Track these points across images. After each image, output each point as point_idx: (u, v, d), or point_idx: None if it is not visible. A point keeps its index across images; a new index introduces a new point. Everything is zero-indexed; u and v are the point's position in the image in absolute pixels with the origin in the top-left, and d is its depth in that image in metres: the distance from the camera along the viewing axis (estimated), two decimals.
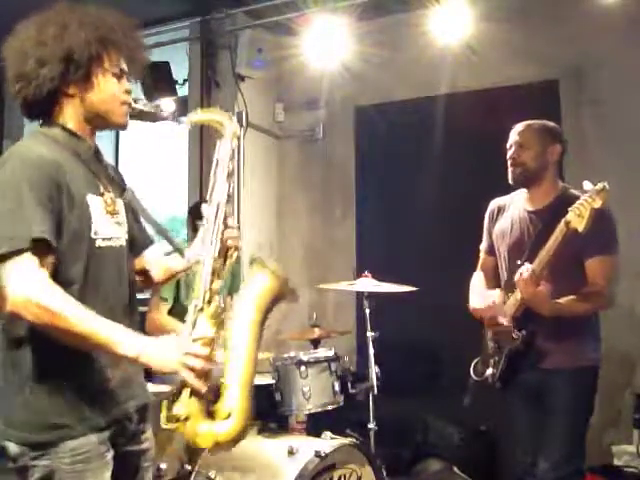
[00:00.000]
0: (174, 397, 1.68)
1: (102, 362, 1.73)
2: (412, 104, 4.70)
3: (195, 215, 3.89)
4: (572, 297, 2.59)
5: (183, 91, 4.98)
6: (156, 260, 2.07)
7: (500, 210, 2.92)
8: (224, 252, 1.87)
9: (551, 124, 2.83)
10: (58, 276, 1.66)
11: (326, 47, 4.32)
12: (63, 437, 1.67)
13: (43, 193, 1.63)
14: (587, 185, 2.44)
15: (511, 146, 2.80)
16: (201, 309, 1.76)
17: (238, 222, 4.72)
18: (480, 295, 2.86)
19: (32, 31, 1.77)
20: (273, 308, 1.84)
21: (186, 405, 1.66)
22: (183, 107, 4.99)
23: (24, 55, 1.74)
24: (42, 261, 1.61)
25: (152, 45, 4.48)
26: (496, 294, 2.76)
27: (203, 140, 4.83)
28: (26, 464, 1.68)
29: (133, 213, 1.95)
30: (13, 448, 1.69)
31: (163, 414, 1.68)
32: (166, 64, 4.57)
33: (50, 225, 1.63)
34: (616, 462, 3.82)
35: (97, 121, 1.84)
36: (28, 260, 1.59)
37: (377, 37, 4.53)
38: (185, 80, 4.95)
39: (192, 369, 1.65)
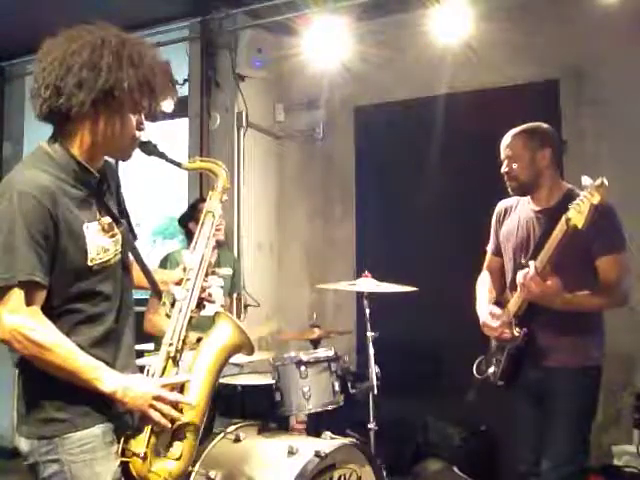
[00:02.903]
0: (133, 433, 1.81)
1: (103, 358, 1.79)
2: (412, 104, 4.70)
3: (188, 220, 3.89)
4: (585, 292, 2.59)
5: (183, 91, 4.98)
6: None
7: (507, 211, 2.93)
8: (200, 302, 1.97)
9: (540, 128, 2.81)
10: (56, 303, 1.74)
11: (326, 47, 4.32)
12: (67, 430, 1.74)
13: (38, 230, 1.68)
14: (585, 180, 2.44)
15: (503, 160, 2.81)
16: (173, 357, 1.88)
17: (238, 222, 4.72)
18: (487, 309, 2.85)
19: (83, 50, 1.75)
20: (231, 358, 2.05)
21: (144, 443, 1.79)
22: (183, 107, 5.01)
23: (67, 70, 1.74)
24: (32, 295, 1.69)
25: (152, 45, 4.48)
26: (501, 313, 2.77)
27: (203, 140, 4.83)
28: (37, 460, 1.76)
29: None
30: (24, 445, 1.78)
31: (120, 446, 1.80)
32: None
33: (41, 264, 1.69)
34: (616, 462, 3.81)
35: (105, 149, 1.86)
36: (16, 296, 1.67)
37: (377, 37, 4.54)
38: (185, 80, 4.95)
39: (159, 411, 1.78)
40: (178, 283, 2.00)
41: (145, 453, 1.78)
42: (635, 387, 3.98)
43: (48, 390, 1.74)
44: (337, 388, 3.09)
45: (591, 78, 4.20)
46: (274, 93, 5.19)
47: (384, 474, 2.97)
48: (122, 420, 1.84)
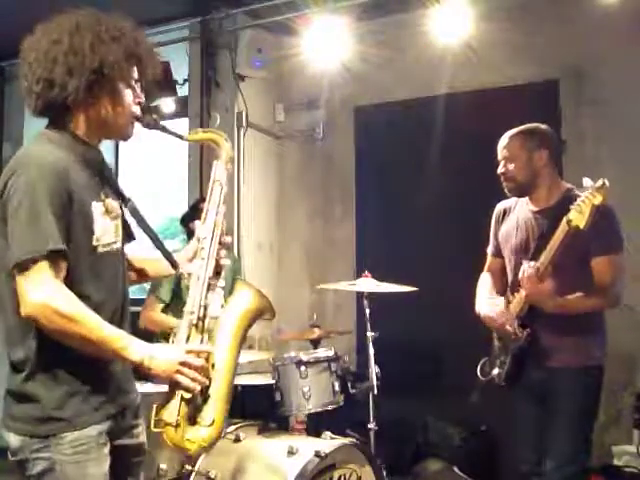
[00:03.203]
0: (163, 403, 1.81)
1: (101, 358, 1.79)
2: (412, 104, 4.70)
3: (189, 219, 3.89)
4: (577, 295, 2.60)
5: (183, 91, 4.98)
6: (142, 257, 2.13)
7: (506, 212, 2.93)
8: (218, 270, 1.99)
9: (538, 129, 2.81)
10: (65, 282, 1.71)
11: (326, 47, 4.31)
12: (62, 430, 1.72)
13: (57, 202, 1.69)
14: (586, 182, 2.45)
15: (500, 161, 2.82)
16: (195, 324, 1.89)
17: (238, 222, 4.72)
18: (487, 301, 2.87)
19: (63, 37, 1.78)
20: (254, 323, 2.08)
21: (175, 411, 1.80)
22: (183, 107, 5.01)
23: (53, 61, 1.76)
24: (57, 269, 1.68)
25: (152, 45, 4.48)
26: (501, 302, 2.77)
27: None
28: (27, 457, 1.73)
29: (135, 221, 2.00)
30: (14, 441, 1.74)
31: (152, 418, 1.80)
32: (166, 64, 4.57)
33: (63, 234, 1.69)
34: (616, 462, 3.81)
35: (105, 130, 1.88)
36: (45, 268, 1.65)
37: (377, 37, 4.53)
38: (185, 80, 4.95)
39: (186, 376, 1.78)
40: (191, 260, 2.03)
41: (177, 421, 1.79)
42: (635, 387, 3.97)
43: (48, 387, 1.73)
44: (337, 388, 3.09)
45: (591, 78, 4.19)
46: (274, 93, 5.19)
47: (384, 474, 2.97)
48: (116, 420, 1.83)
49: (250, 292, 2.08)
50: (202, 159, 4.76)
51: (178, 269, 2.04)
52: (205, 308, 1.90)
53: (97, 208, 1.80)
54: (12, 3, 4.22)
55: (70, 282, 1.72)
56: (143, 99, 1.91)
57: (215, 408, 1.85)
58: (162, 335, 3.33)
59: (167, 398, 1.81)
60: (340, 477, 2.80)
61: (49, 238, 1.65)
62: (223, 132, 2.11)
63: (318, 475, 2.69)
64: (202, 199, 3.89)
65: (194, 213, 3.87)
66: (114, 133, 1.92)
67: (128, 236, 1.99)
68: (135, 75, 1.87)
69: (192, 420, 1.83)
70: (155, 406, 1.81)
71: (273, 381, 3.09)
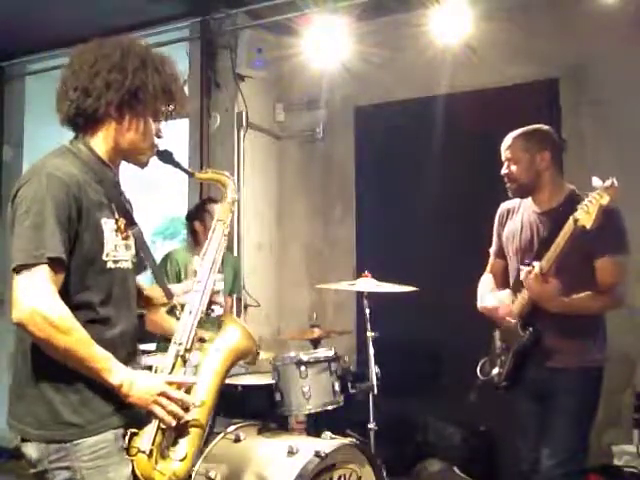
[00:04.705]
0: (138, 431, 1.81)
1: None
2: (412, 104, 4.70)
3: (194, 218, 3.90)
4: (580, 295, 2.61)
5: None
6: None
7: (509, 213, 2.94)
8: (209, 305, 2.02)
9: (540, 130, 2.82)
10: (69, 295, 1.73)
11: (326, 47, 4.31)
12: (80, 435, 1.72)
13: (64, 214, 1.71)
14: (596, 181, 2.45)
15: (504, 162, 2.83)
16: (182, 356, 1.90)
17: (238, 222, 4.72)
18: (490, 294, 2.88)
19: (113, 54, 1.84)
20: (237, 363, 2.09)
21: (150, 440, 1.79)
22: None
23: (96, 73, 1.82)
24: (54, 277, 1.69)
25: (152, 45, 4.48)
26: (505, 294, 2.78)
27: (203, 140, 4.83)
28: (46, 468, 1.72)
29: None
30: (32, 452, 1.74)
31: (125, 444, 1.79)
32: None
33: (66, 245, 1.71)
34: (616, 462, 3.82)
35: (125, 154, 1.93)
36: (41, 274, 1.67)
37: (377, 37, 4.53)
38: (185, 80, 4.93)
39: (163, 407, 1.78)
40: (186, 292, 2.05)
41: (151, 450, 1.78)
42: (635, 387, 3.98)
43: (64, 392, 1.73)
44: (337, 388, 3.09)
45: (591, 78, 4.19)
46: (274, 93, 5.19)
47: (384, 474, 2.97)
48: (133, 427, 1.82)
49: (239, 330, 2.08)
50: (202, 159, 4.76)
51: (172, 299, 2.06)
52: (193, 341, 1.92)
53: (108, 224, 1.83)
54: (12, 3, 4.23)
55: (80, 292, 1.74)
56: (164, 135, 1.97)
57: (189, 443, 1.84)
58: (163, 338, 3.32)
59: (143, 426, 1.81)
60: (340, 477, 2.80)
61: (50, 245, 1.68)
62: (229, 174, 2.15)
63: (318, 475, 2.69)
64: (210, 199, 3.91)
65: (198, 213, 3.88)
66: (132, 158, 1.95)
67: (139, 266, 2.00)
68: (164, 109, 1.93)
69: (164, 452, 1.82)
70: (130, 432, 1.79)
71: (273, 381, 3.09)
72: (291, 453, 2.71)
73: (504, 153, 2.83)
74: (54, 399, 1.73)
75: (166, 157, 2.00)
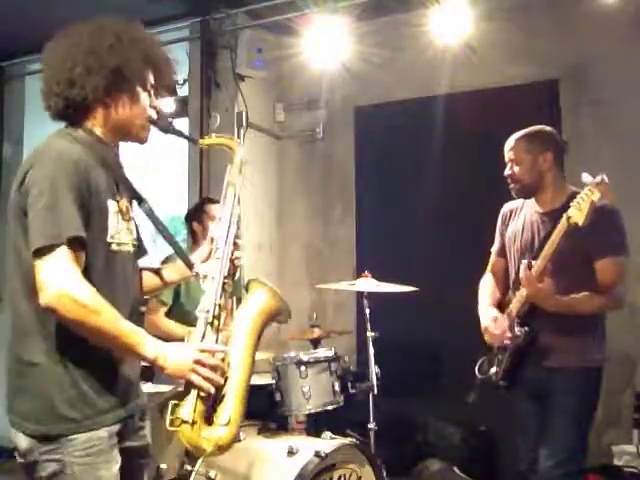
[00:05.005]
0: (179, 402, 1.79)
1: (114, 360, 1.79)
2: (412, 104, 4.70)
3: (192, 218, 3.89)
4: (578, 295, 2.61)
5: (183, 91, 4.97)
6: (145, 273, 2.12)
7: (512, 213, 2.95)
8: (232, 271, 2.04)
9: (542, 131, 2.83)
10: None
11: (326, 47, 4.31)
12: (75, 430, 1.70)
13: (77, 192, 1.70)
14: (586, 177, 2.45)
15: (507, 163, 2.84)
16: (210, 323, 1.89)
17: (238, 222, 4.71)
18: (489, 314, 2.86)
19: (84, 39, 1.81)
20: (269, 324, 2.09)
21: (191, 410, 1.77)
22: (183, 107, 5.00)
23: (72, 61, 1.79)
24: (77, 257, 1.67)
25: None
26: (500, 317, 2.78)
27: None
28: (36, 459, 1.71)
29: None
30: (23, 443, 1.72)
31: (168, 417, 1.78)
32: None
33: (83, 223, 1.69)
34: (616, 462, 3.81)
35: (122, 132, 1.91)
36: (63, 255, 1.64)
37: (377, 37, 4.53)
38: (185, 80, 4.95)
39: (201, 375, 1.77)
40: (205, 260, 2.06)
41: (194, 419, 1.77)
42: (635, 387, 3.98)
43: (61, 386, 1.71)
44: (337, 388, 3.09)
45: (591, 78, 4.19)
46: (274, 93, 5.19)
47: (384, 474, 2.97)
48: (128, 422, 1.83)
49: (266, 292, 2.11)
50: (202, 159, 4.76)
51: (193, 269, 2.05)
52: (219, 307, 1.91)
53: (112, 206, 1.81)
54: (12, 3, 4.23)
55: (88, 275, 1.70)
56: (158, 104, 1.95)
57: (231, 407, 1.84)
58: (161, 340, 3.32)
59: (183, 397, 1.80)
60: (340, 477, 2.80)
61: (69, 225, 1.66)
62: (232, 135, 2.14)
63: (318, 475, 2.69)
64: (208, 200, 3.90)
65: (196, 214, 3.87)
66: (131, 135, 1.94)
67: (140, 249, 1.99)
68: (151, 80, 1.91)
69: (208, 420, 1.81)
70: (171, 404, 1.78)
71: (273, 381, 3.09)
72: (291, 453, 2.72)
73: (507, 154, 2.84)
74: (50, 392, 1.71)
75: (166, 126, 1.98)
